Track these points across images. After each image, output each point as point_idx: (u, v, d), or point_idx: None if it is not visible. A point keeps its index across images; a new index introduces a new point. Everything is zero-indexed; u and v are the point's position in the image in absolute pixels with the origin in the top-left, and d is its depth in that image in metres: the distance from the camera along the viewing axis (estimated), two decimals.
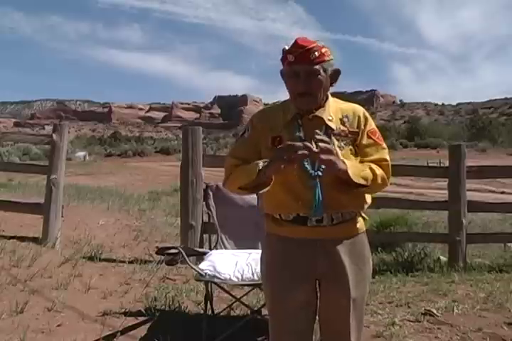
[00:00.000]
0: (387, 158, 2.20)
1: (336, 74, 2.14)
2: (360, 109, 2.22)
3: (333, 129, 2.11)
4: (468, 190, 5.77)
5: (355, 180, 2.01)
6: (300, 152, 1.90)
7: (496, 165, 7.95)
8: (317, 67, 2.06)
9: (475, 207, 5.83)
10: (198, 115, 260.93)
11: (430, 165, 16.77)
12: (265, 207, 2.22)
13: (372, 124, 2.21)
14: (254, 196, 3.83)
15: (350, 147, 2.13)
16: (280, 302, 2.16)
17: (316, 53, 2.04)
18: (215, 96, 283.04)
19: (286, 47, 2.09)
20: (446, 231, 5.90)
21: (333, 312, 2.16)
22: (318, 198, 2.05)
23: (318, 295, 2.18)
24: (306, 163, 2.06)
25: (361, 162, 2.14)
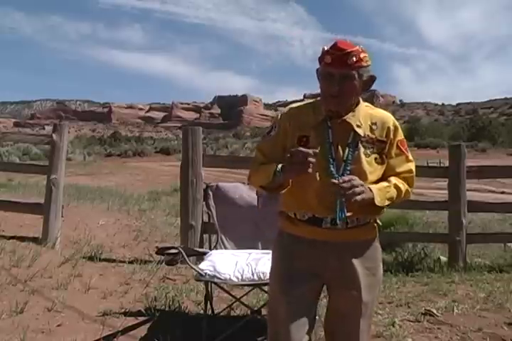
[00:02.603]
0: (413, 169, 2.22)
1: (370, 81, 2.13)
2: (390, 118, 2.21)
3: (360, 135, 2.11)
4: (468, 190, 5.77)
5: (381, 205, 2.05)
6: (310, 158, 1.89)
7: (496, 165, 7.95)
8: (353, 72, 2.04)
9: (475, 207, 5.83)
10: (198, 115, 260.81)
11: (430, 165, 16.80)
12: (282, 204, 2.21)
13: (401, 134, 2.21)
14: (254, 196, 3.83)
15: (376, 155, 2.12)
16: (281, 299, 2.15)
17: (354, 58, 2.02)
18: (215, 96, 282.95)
19: (326, 48, 2.07)
20: (446, 231, 5.90)
21: (344, 316, 2.16)
22: (342, 205, 2.03)
23: (328, 299, 2.19)
24: (331, 166, 2.06)
25: (387, 172, 2.16)
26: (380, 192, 2.05)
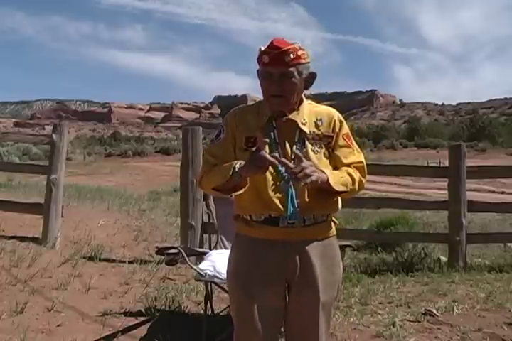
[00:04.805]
0: (363, 160, 2.22)
1: (311, 78, 2.12)
2: (334, 113, 2.21)
3: (306, 133, 2.11)
4: (468, 190, 5.77)
5: (336, 188, 2.02)
6: (272, 159, 1.90)
7: (496, 165, 7.96)
8: (291, 69, 2.03)
9: (475, 207, 5.83)
10: (198, 115, 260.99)
11: (430, 165, 16.80)
12: (236, 207, 2.20)
13: (346, 128, 2.21)
14: None
15: (324, 150, 2.12)
16: (249, 304, 2.09)
17: (292, 55, 2.02)
18: (215, 96, 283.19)
19: (263, 48, 2.06)
20: (446, 231, 5.90)
21: (302, 315, 2.12)
22: (293, 201, 2.04)
23: (287, 298, 2.14)
24: (279, 165, 2.03)
25: (336, 164, 2.15)
26: (334, 176, 2.03)
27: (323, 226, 2.14)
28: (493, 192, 17.30)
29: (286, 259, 2.08)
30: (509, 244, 6.77)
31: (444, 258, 5.71)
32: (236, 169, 1.98)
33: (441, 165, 12.52)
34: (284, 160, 1.95)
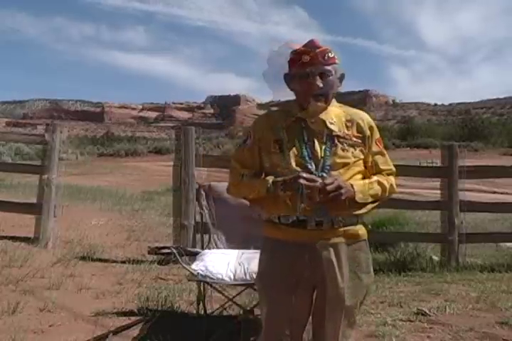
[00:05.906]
0: (393, 167, 2.25)
1: (342, 78, 2.16)
2: (365, 115, 2.22)
3: (335, 131, 2.10)
4: (463, 190, 5.79)
5: (363, 201, 2.06)
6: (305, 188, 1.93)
7: (491, 165, 7.99)
8: (329, 68, 2.07)
9: (469, 206, 5.84)
10: (191, 115, 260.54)
11: (423, 165, 16.83)
12: (266, 211, 2.17)
13: (378, 133, 2.22)
14: None
15: (353, 150, 2.11)
16: (278, 307, 2.11)
17: (330, 54, 2.07)
18: (213, 96, 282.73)
19: (296, 48, 2.07)
20: (438, 230, 5.92)
21: (326, 318, 2.11)
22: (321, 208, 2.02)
23: (314, 300, 2.15)
24: (308, 165, 2.04)
25: (368, 169, 2.17)
26: (363, 188, 2.05)
27: (352, 229, 2.12)
28: (488, 192, 17.35)
29: (312, 262, 2.06)
30: (501, 244, 6.80)
31: (436, 258, 5.73)
32: (269, 186, 2.03)
33: (433, 164, 12.55)
34: (317, 185, 1.96)
